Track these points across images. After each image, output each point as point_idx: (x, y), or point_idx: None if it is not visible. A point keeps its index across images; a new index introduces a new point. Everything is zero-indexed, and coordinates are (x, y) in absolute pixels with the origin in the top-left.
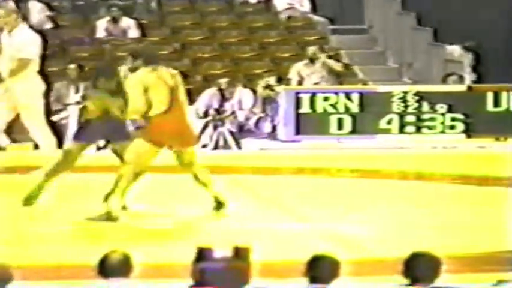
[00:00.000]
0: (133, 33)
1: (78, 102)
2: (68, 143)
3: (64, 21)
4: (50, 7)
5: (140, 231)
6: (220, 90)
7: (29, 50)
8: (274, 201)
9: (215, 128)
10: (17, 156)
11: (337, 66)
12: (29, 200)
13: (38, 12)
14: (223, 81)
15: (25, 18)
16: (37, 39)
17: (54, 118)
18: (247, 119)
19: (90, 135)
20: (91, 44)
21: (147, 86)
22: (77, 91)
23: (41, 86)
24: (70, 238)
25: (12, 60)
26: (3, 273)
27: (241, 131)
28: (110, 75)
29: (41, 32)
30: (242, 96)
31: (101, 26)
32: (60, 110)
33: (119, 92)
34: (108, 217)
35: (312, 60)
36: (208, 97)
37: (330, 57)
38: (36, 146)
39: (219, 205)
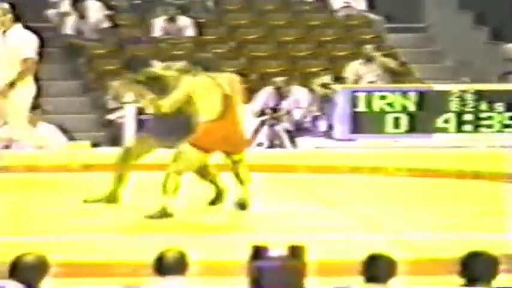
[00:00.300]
0: (190, 32)
1: (135, 101)
2: (130, 139)
3: (121, 20)
4: (107, 6)
5: (195, 228)
6: (277, 89)
7: (28, 51)
8: (330, 200)
9: (271, 126)
10: (74, 154)
11: (394, 64)
12: (110, 201)
13: (96, 11)
14: (279, 80)
15: (83, 16)
16: (34, 40)
17: (111, 116)
18: (304, 117)
19: (155, 129)
20: (148, 43)
21: (194, 91)
22: None
23: (33, 88)
24: (126, 235)
25: (9, 61)
26: (41, 264)
27: (297, 130)
28: (142, 67)
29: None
30: (298, 94)
31: (158, 25)
32: (116, 109)
33: (153, 85)
34: (163, 214)
35: (368, 59)
36: (265, 96)
37: (385, 55)
38: (95, 145)
39: (242, 206)
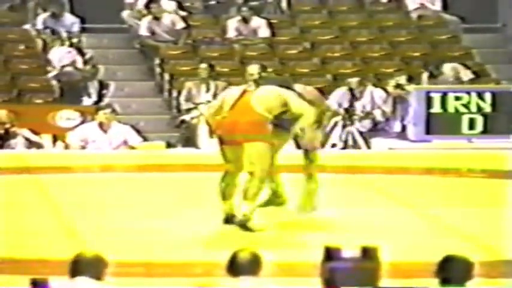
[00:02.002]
0: (264, 32)
1: (208, 101)
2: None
3: (195, 21)
4: (181, 7)
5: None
6: (350, 90)
7: None
8: (403, 201)
9: (344, 127)
10: (149, 155)
11: (466, 76)
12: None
13: (170, 12)
14: (353, 81)
15: (157, 18)
16: None
17: (185, 117)
18: (378, 118)
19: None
20: (221, 44)
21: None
22: (207, 90)
23: None
24: (202, 237)
25: None
26: (100, 262)
27: (371, 131)
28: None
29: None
30: (373, 95)
31: (232, 26)
32: (190, 109)
33: None
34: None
35: (435, 76)
36: (338, 96)
37: (461, 55)
38: (168, 145)
39: (242, 224)
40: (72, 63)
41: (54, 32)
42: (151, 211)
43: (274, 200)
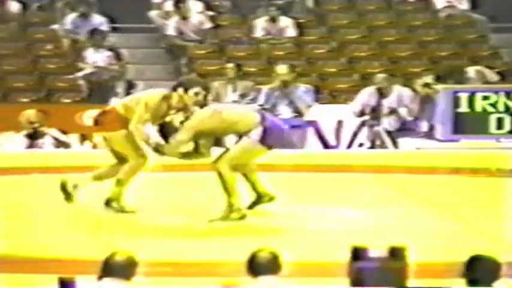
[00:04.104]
0: (291, 32)
1: (235, 101)
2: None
3: (223, 21)
4: (209, 7)
5: (291, 228)
6: (378, 89)
7: None
8: (431, 201)
9: (371, 127)
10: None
11: (491, 78)
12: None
13: (197, 11)
14: (380, 77)
15: (185, 17)
16: None
17: None
18: (405, 117)
19: None
20: (249, 44)
21: None
22: (234, 90)
23: None
24: (221, 234)
25: None
26: (131, 263)
27: (398, 130)
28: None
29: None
30: (400, 93)
31: (259, 26)
32: None
33: None
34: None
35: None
36: (366, 96)
37: (490, 55)
38: None
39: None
40: (104, 65)
41: (93, 35)
42: (175, 210)
43: (261, 199)
